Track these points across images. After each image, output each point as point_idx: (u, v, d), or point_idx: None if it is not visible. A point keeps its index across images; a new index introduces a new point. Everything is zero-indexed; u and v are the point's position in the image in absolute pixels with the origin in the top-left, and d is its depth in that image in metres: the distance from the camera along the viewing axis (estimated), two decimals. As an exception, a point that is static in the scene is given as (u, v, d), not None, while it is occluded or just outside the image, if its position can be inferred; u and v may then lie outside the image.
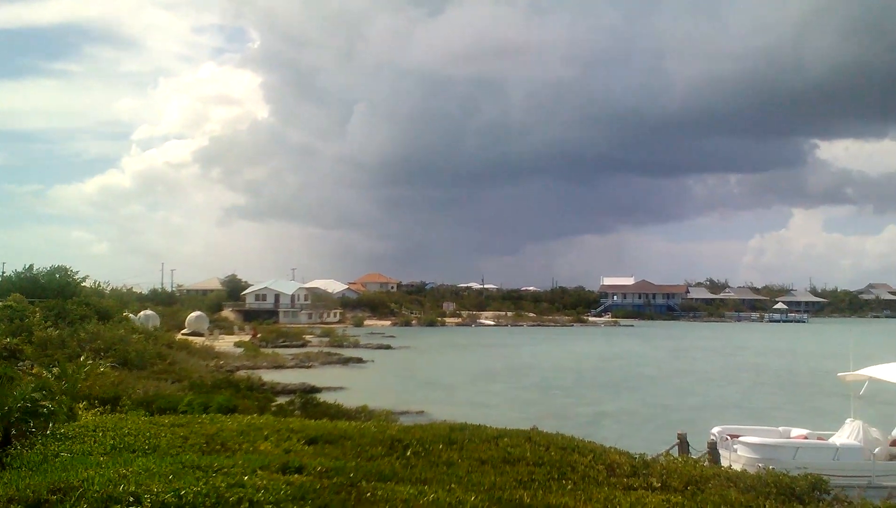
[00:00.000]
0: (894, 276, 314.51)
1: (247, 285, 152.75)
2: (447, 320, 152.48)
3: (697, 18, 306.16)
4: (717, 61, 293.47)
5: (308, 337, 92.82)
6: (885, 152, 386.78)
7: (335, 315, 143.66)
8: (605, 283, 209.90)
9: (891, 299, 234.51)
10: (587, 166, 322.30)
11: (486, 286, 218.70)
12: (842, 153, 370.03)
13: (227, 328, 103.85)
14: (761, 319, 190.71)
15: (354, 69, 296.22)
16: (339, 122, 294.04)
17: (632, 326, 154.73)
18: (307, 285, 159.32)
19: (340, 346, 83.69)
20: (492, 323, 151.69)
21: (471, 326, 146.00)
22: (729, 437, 23.29)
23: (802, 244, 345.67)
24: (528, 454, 13.33)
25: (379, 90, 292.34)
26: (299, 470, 10.92)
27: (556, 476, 11.75)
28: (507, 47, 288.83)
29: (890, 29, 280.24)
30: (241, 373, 45.57)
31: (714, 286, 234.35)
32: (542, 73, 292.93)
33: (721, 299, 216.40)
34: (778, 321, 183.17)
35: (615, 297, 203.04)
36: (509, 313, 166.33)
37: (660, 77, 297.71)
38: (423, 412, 38.45)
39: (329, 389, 45.04)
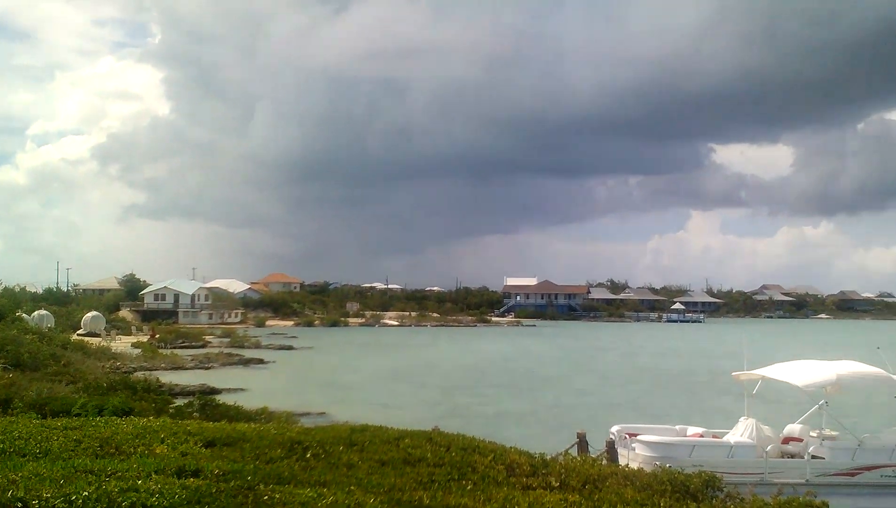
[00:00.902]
0: (787, 277, 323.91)
1: (146, 285, 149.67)
2: (351, 320, 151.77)
3: (597, 22, 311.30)
4: (617, 65, 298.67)
5: (208, 338, 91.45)
6: (777, 157, 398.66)
7: (237, 316, 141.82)
8: (508, 283, 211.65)
9: (783, 300, 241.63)
10: (490, 167, 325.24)
11: (390, 286, 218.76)
12: (737, 157, 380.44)
13: (124, 329, 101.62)
14: (659, 319, 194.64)
15: (258, 66, 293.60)
16: (242, 119, 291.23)
17: (534, 326, 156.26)
18: (208, 285, 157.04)
19: (241, 347, 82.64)
20: (395, 323, 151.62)
21: (374, 326, 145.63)
22: (628, 436, 23.65)
23: (700, 246, 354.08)
24: (429, 454, 13.30)
25: (283, 88, 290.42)
26: (196, 474, 10.69)
27: (456, 477, 11.74)
28: (410, 47, 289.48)
29: (782, 37, 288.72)
30: (139, 375, 44.54)
31: (615, 287, 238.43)
32: (446, 73, 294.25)
33: (621, 300, 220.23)
34: (675, 322, 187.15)
35: (518, 297, 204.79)
36: (413, 314, 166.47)
37: (561, 79, 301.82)
38: (324, 413, 38.20)
39: (229, 390, 44.42)
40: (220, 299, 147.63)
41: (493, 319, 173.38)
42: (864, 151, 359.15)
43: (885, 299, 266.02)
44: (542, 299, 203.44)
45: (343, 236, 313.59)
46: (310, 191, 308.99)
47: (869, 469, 22.76)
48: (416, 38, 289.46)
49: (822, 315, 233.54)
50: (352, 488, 10.55)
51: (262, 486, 10.12)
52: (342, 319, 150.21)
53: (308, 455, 13.15)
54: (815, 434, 24.01)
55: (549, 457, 14.97)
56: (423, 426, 20.07)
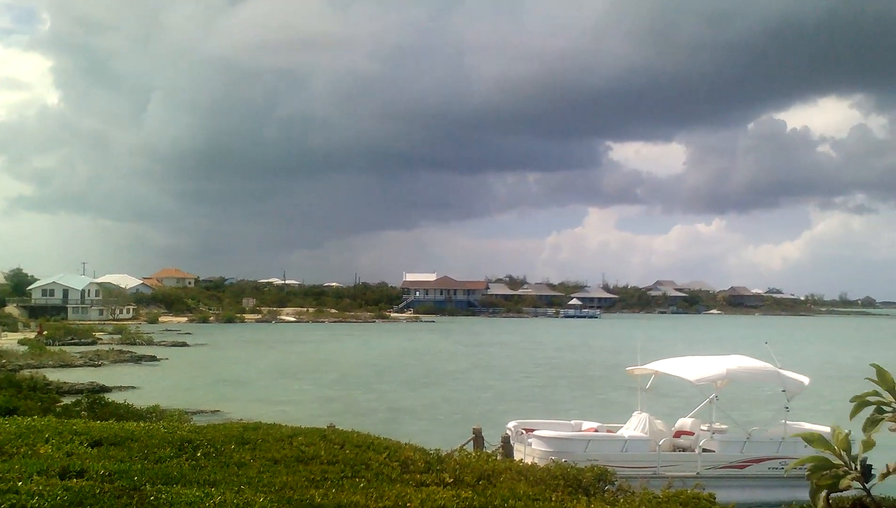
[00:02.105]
0: (680, 273, 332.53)
1: (33, 280, 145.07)
2: (247, 316, 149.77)
3: (497, 18, 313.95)
4: (516, 61, 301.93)
5: (98, 334, 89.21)
6: (672, 155, 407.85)
7: (128, 312, 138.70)
8: (407, 279, 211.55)
9: (677, 296, 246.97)
10: (391, 162, 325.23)
11: (287, 282, 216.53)
12: (633, 155, 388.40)
13: (10, 325, 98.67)
14: (557, 314, 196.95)
15: (152, 56, 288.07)
16: (135, 110, 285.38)
17: (433, 321, 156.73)
18: (99, 280, 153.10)
19: (133, 344, 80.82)
20: (293, 319, 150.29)
21: (271, 322, 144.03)
22: (524, 431, 23.82)
23: (596, 242, 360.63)
24: (323, 452, 13.11)
25: (178, 78, 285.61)
26: (80, 475, 10.34)
27: (349, 475, 11.60)
28: (310, 39, 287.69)
29: (676, 37, 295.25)
30: (25, 372, 43.25)
31: (513, 283, 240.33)
32: (347, 66, 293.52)
33: (520, 296, 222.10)
34: (572, 317, 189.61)
35: (417, 293, 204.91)
36: (311, 310, 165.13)
37: (462, 75, 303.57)
38: (218, 411, 37.62)
39: (120, 388, 43.42)
40: (111, 295, 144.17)
41: (392, 315, 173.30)
42: (755, 151, 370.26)
43: (774, 294, 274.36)
44: (442, 294, 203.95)
45: (240, 230, 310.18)
46: (205, 184, 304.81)
47: (757, 461, 23.35)
48: (315, 30, 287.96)
49: (714, 311, 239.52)
50: (242, 487, 10.33)
51: (148, 486, 9.85)
52: (238, 315, 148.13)
53: (198, 454, 12.84)
54: (705, 428, 24.53)
55: (444, 453, 14.92)
56: (318, 423, 19.86)
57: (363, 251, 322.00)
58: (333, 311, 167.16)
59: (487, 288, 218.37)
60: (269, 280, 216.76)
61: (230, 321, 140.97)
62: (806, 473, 2.60)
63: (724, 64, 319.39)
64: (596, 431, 24.73)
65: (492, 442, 23.14)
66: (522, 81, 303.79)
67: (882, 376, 2.61)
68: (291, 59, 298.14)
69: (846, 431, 2.59)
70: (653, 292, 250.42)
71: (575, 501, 10.35)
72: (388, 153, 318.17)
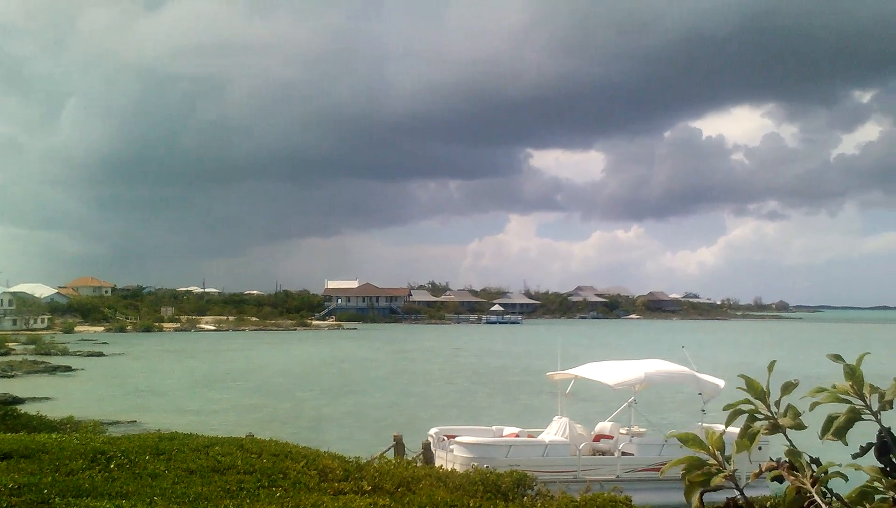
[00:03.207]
0: (600, 279, 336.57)
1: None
2: (165, 325, 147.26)
3: (418, 25, 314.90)
4: (437, 68, 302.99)
5: (11, 345, 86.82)
6: (591, 162, 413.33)
7: (43, 321, 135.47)
8: (329, 286, 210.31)
9: (597, 301, 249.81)
10: (311, 168, 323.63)
11: (207, 290, 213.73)
12: (553, 163, 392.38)
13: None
14: (479, 320, 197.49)
15: (67, 61, 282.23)
16: (49, 115, 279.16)
17: (355, 329, 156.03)
18: (12, 289, 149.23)
19: (48, 354, 78.94)
20: (212, 328, 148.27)
21: (190, 331, 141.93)
22: (446, 438, 23.81)
23: (518, 248, 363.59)
24: (240, 462, 12.95)
25: (94, 84, 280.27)
26: (-14, 489, 10.04)
27: (266, 484, 11.47)
28: (228, 45, 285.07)
29: (594, 45, 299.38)
30: (-67, 385, 41.99)
31: (436, 289, 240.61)
32: (265, 72, 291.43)
33: (442, 302, 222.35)
34: (494, 323, 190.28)
35: (339, 300, 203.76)
36: (231, 318, 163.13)
37: (382, 81, 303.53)
38: (135, 421, 36.89)
39: (34, 399, 42.30)
40: (24, 304, 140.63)
41: (314, 322, 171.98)
42: (671, 158, 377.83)
43: (691, 299, 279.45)
44: (364, 302, 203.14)
45: (158, 237, 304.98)
46: (122, 191, 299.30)
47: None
48: (233, 36, 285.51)
49: (633, 315, 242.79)
50: (155, 498, 10.15)
51: (58, 499, 9.62)
52: (156, 324, 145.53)
53: (112, 466, 12.59)
54: (624, 431, 24.78)
55: (364, 461, 14.84)
56: (237, 432, 19.63)
57: (284, 259, 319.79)
58: (254, 319, 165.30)
59: (410, 295, 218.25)
60: (189, 289, 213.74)
61: (148, 330, 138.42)
62: (681, 472, 2.61)
63: (641, 73, 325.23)
64: (517, 436, 24.81)
65: (413, 449, 23.10)
66: (443, 88, 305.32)
67: (751, 385, 2.63)
68: (209, 65, 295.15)
69: (720, 431, 2.60)
70: (573, 298, 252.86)
71: (492, 506, 10.36)
72: (308, 160, 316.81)
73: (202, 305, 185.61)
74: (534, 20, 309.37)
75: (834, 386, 2.57)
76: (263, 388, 54.38)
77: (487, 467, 16.23)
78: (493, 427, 26.17)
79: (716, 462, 2.48)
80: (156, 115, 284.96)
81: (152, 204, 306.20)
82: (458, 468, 18.47)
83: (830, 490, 2.51)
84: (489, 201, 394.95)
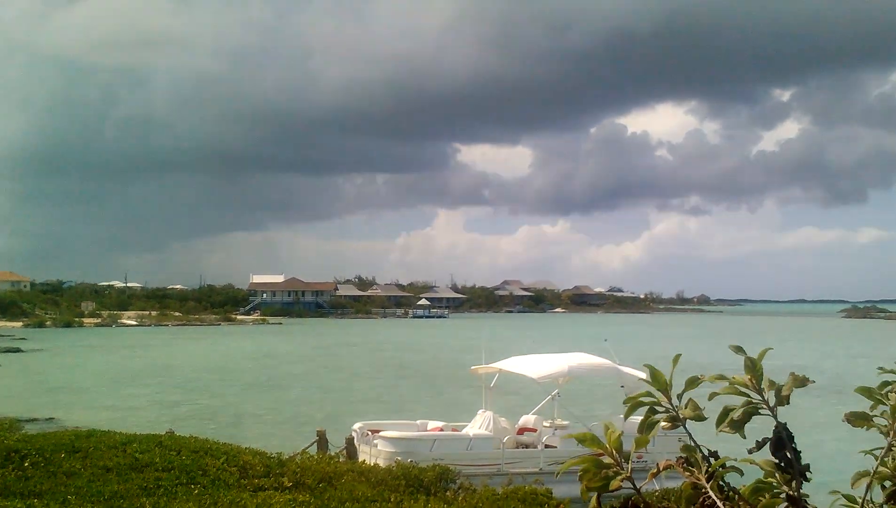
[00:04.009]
0: (526, 273, 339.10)
1: None
2: (86, 320, 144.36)
3: (344, 20, 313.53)
4: (363, 63, 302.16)
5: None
6: (518, 158, 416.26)
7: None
8: (254, 281, 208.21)
9: (523, 295, 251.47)
10: (237, 162, 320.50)
11: (129, 285, 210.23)
12: (480, 158, 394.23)
13: None
14: (406, 315, 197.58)
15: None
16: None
17: (280, 324, 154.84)
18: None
19: (-37, 350, 77.08)
20: (135, 323, 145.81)
21: (112, 326, 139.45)
22: (370, 432, 23.73)
23: (445, 243, 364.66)
24: (158, 459, 12.74)
25: (10, 75, 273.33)
26: None
27: (185, 481, 11.30)
28: (151, 37, 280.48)
29: (519, 42, 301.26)
30: None
31: (362, 284, 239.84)
32: (189, 65, 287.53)
33: (369, 297, 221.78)
34: (421, 317, 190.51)
35: (265, 295, 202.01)
36: (153, 313, 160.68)
37: (308, 76, 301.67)
38: (53, 418, 36.09)
39: (-54, 398, 41.26)
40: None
41: (239, 317, 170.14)
42: (597, 154, 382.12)
43: (615, 293, 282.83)
44: (290, 296, 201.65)
45: (78, 231, 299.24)
46: (41, 184, 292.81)
47: (598, 455, 23.92)
48: (156, 27, 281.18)
49: (558, 309, 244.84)
50: (69, 497, 9.93)
51: (-34, 500, 9.32)
52: (77, 319, 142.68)
53: (26, 464, 12.29)
54: (548, 424, 24.98)
55: (285, 457, 14.71)
56: (157, 429, 19.35)
57: (209, 254, 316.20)
58: (177, 314, 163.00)
59: (336, 289, 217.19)
60: (110, 283, 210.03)
61: (68, 325, 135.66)
62: (578, 473, 2.61)
63: (567, 70, 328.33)
64: (441, 430, 24.84)
65: (336, 444, 22.99)
66: (370, 83, 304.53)
67: (655, 376, 2.64)
68: (131, 57, 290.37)
69: (619, 431, 2.61)
70: (500, 292, 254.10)
71: (413, 501, 10.35)
72: (233, 154, 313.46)
73: (124, 300, 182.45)
74: (460, 17, 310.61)
75: (733, 378, 2.59)
76: (185, 384, 53.66)
77: (411, 461, 16.22)
78: (418, 422, 26.16)
79: (614, 463, 2.48)
80: (76, 107, 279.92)
81: (73, 198, 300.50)
82: (381, 462, 18.44)
83: (728, 485, 2.53)
84: (417, 195, 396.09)
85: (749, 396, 2.54)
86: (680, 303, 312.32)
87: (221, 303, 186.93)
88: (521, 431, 25.69)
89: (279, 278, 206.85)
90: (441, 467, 13.92)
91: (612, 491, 2.45)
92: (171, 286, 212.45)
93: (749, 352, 2.76)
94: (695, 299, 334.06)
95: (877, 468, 2.68)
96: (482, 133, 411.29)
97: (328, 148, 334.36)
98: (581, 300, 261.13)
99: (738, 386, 2.55)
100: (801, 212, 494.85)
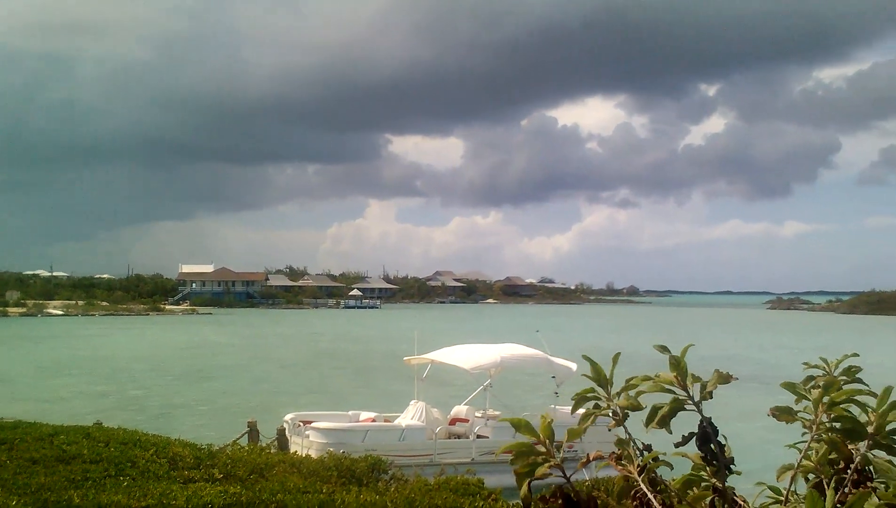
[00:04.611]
0: (459, 264, 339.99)
1: None
2: (10, 310, 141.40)
3: (276, 9, 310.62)
4: (295, 52, 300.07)
5: None
6: (450, 149, 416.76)
7: None
8: (183, 271, 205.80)
9: (455, 286, 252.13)
10: (166, 151, 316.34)
11: (55, 274, 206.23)
12: (412, 148, 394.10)
13: None
14: (337, 305, 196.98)
15: None
16: None
17: (210, 314, 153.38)
18: None
19: None
20: (60, 313, 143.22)
21: (37, 316, 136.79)
22: (301, 423, 23.64)
23: (377, 233, 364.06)
24: (86, 451, 12.55)
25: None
26: None
27: (113, 473, 11.15)
28: (77, 22, 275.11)
29: (451, 34, 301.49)
30: None
31: (294, 274, 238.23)
32: (117, 52, 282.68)
33: (300, 287, 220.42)
34: (353, 308, 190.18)
35: (194, 285, 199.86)
36: (80, 303, 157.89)
37: (239, 64, 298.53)
38: (-24, 410, 35.35)
39: None
40: None
41: (168, 307, 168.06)
42: (528, 146, 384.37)
43: (546, 284, 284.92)
44: (220, 286, 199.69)
45: (2, 220, 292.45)
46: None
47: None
48: (85, 14, 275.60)
49: (490, 300, 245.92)
50: (-7, 491, 9.72)
51: None
52: (0, 309, 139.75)
53: (-52, 457, 12.02)
54: (479, 415, 25.10)
55: (216, 448, 14.61)
56: (85, 421, 19.09)
57: (137, 243, 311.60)
58: (105, 304, 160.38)
59: (267, 279, 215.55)
60: (36, 272, 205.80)
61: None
62: (510, 460, 2.65)
63: (499, 62, 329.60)
64: (374, 421, 24.85)
65: (267, 436, 22.88)
66: (302, 72, 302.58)
67: (595, 370, 2.69)
68: (57, 43, 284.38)
69: (550, 419, 2.64)
70: (432, 283, 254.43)
71: (346, 492, 10.35)
72: (162, 143, 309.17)
73: (50, 289, 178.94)
74: (393, 6, 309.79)
75: (657, 376, 2.65)
76: (113, 375, 52.86)
77: (343, 452, 16.21)
78: (350, 413, 26.13)
79: (545, 451, 2.52)
80: (0, 94, 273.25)
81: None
82: (313, 454, 18.39)
83: (660, 477, 2.59)
84: (348, 185, 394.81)
85: (675, 393, 2.61)
86: (610, 294, 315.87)
87: (150, 293, 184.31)
88: (454, 421, 25.80)
89: (209, 268, 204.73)
90: (373, 458, 13.95)
91: (541, 478, 2.49)
92: (98, 276, 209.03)
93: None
94: (624, 291, 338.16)
95: (800, 461, 2.76)
96: (414, 124, 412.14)
97: (259, 137, 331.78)
98: (513, 291, 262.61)
99: (663, 384, 2.61)
100: (727, 205, 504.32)
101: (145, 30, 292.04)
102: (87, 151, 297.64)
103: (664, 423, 2.60)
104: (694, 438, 2.69)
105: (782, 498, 2.75)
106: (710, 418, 2.66)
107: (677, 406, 2.59)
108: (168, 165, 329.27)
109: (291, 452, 18.52)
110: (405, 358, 27.46)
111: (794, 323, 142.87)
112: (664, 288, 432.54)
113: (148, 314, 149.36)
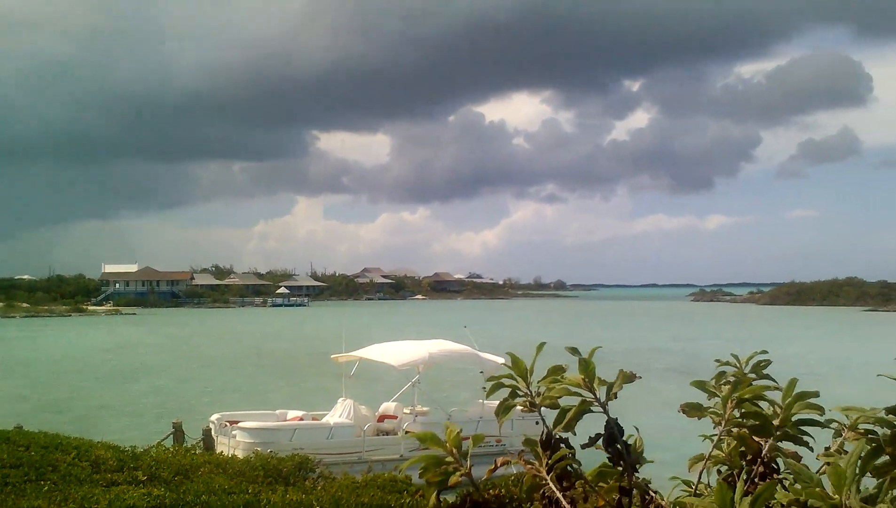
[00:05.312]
0: (387, 260, 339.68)
1: None
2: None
3: (200, 4, 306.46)
4: (221, 47, 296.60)
5: None
6: (378, 145, 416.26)
7: None
8: (106, 270, 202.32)
9: (384, 282, 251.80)
10: (89, 149, 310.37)
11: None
12: (339, 145, 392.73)
13: None
14: (265, 304, 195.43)
15: None
16: None
17: (134, 314, 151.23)
18: None
19: None
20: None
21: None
22: (228, 423, 23.47)
23: (305, 231, 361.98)
24: (6, 455, 12.27)
25: None
26: None
27: (33, 478, 10.93)
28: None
29: (380, 32, 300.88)
30: None
31: (220, 272, 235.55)
32: (35, 48, 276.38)
33: (226, 286, 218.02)
34: (280, 306, 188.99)
35: (118, 285, 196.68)
36: (0, 304, 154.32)
37: (162, 60, 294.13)
38: None
39: None
40: None
41: (91, 308, 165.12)
42: (456, 142, 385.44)
43: (475, 279, 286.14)
44: (144, 286, 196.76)
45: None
46: None
47: (458, 441, 24.25)
48: (3, 9, 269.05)
49: (419, 296, 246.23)
50: None
51: None
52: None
53: None
54: (408, 411, 25.20)
55: (140, 450, 14.42)
56: (4, 425, 18.74)
57: (59, 243, 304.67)
58: (25, 305, 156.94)
59: (192, 278, 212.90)
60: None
61: None
62: (419, 471, 2.68)
63: (426, 58, 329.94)
64: (301, 420, 24.78)
65: (193, 436, 22.66)
66: (227, 68, 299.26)
67: (515, 363, 2.73)
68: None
69: (458, 428, 2.68)
70: (360, 280, 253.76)
71: (272, 492, 10.30)
72: (85, 140, 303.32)
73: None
74: (319, 3, 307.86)
75: (565, 378, 2.70)
76: (34, 377, 51.82)
77: (271, 452, 16.13)
78: (277, 411, 26.03)
79: (454, 460, 2.55)
80: None
81: None
82: (240, 454, 18.28)
83: (576, 471, 2.64)
84: (275, 182, 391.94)
85: (582, 395, 2.66)
86: (537, 289, 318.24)
87: (72, 294, 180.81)
88: (382, 418, 25.84)
89: (133, 268, 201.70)
90: (300, 456, 13.91)
91: (451, 488, 2.53)
92: (18, 277, 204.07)
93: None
94: (552, 285, 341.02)
95: (710, 453, 2.84)
96: (341, 120, 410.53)
97: (184, 134, 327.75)
98: (441, 287, 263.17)
99: (570, 387, 2.66)
100: (651, 199, 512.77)
101: (67, 25, 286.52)
102: (7, 150, 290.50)
103: (570, 426, 2.65)
104: (601, 439, 2.74)
105: (695, 491, 2.82)
106: (616, 419, 2.72)
107: (584, 409, 2.64)
108: (91, 164, 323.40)
109: (218, 452, 18.37)
110: (333, 356, 27.41)
111: (716, 315, 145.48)
112: (591, 282, 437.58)
113: (70, 315, 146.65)
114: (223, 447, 22.09)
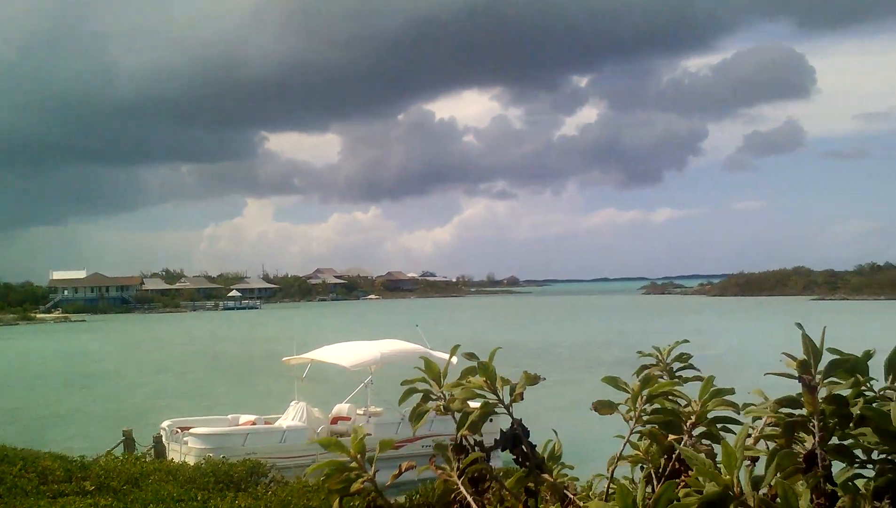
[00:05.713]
0: (340, 261, 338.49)
1: None
2: None
3: (143, 6, 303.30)
4: (165, 50, 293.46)
5: None
6: (327, 145, 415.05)
7: None
8: (54, 277, 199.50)
9: (336, 283, 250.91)
10: (31, 154, 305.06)
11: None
12: (289, 146, 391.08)
13: None
14: (216, 307, 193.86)
15: None
16: None
17: (84, 321, 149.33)
18: None
19: None
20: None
21: None
22: (179, 430, 23.33)
23: (256, 233, 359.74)
24: (-50, 469, 12.13)
25: None
26: None
27: (-22, 492, 10.82)
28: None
29: (326, 31, 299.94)
30: None
31: (170, 277, 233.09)
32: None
33: (177, 290, 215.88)
34: (232, 309, 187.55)
35: (66, 292, 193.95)
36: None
37: (106, 63, 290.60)
38: None
39: None
40: None
41: (38, 316, 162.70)
42: (406, 140, 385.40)
43: (428, 278, 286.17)
44: (93, 292, 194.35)
45: None
46: None
47: (411, 440, 24.24)
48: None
49: (372, 296, 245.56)
50: None
51: None
52: None
53: None
54: (361, 412, 25.21)
55: (89, 459, 14.30)
56: (-52, 437, 18.42)
57: (4, 250, 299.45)
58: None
59: (142, 283, 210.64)
60: None
61: None
62: (321, 478, 2.72)
63: (374, 56, 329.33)
64: (254, 424, 24.68)
65: (144, 444, 22.49)
66: (172, 70, 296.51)
67: (428, 366, 2.79)
68: None
69: (363, 434, 2.73)
70: (313, 281, 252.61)
71: (221, 498, 10.29)
72: (29, 145, 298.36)
73: None
74: (264, 4, 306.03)
75: (468, 381, 2.76)
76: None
77: (223, 457, 16.06)
78: (229, 416, 25.89)
79: (357, 467, 2.60)
80: None
81: None
82: (191, 460, 18.19)
83: (494, 472, 2.70)
84: (224, 184, 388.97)
85: (485, 397, 2.72)
86: (491, 285, 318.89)
87: (19, 302, 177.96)
88: (335, 420, 25.83)
89: (81, 274, 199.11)
90: (252, 461, 13.89)
91: (354, 494, 2.57)
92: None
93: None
94: (505, 281, 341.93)
95: (620, 452, 2.91)
96: (291, 120, 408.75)
97: (130, 137, 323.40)
98: (394, 286, 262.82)
99: (474, 388, 2.72)
100: (601, 194, 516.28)
101: (5, 30, 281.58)
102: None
103: (476, 428, 2.70)
104: (507, 441, 2.79)
105: (607, 491, 2.87)
106: (521, 419, 2.78)
107: (488, 411, 2.69)
108: (36, 168, 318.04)
109: (169, 460, 18.27)
110: (284, 358, 27.34)
111: (667, 307, 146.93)
112: (544, 277, 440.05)
113: (17, 324, 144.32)
114: (175, 454, 21.95)
